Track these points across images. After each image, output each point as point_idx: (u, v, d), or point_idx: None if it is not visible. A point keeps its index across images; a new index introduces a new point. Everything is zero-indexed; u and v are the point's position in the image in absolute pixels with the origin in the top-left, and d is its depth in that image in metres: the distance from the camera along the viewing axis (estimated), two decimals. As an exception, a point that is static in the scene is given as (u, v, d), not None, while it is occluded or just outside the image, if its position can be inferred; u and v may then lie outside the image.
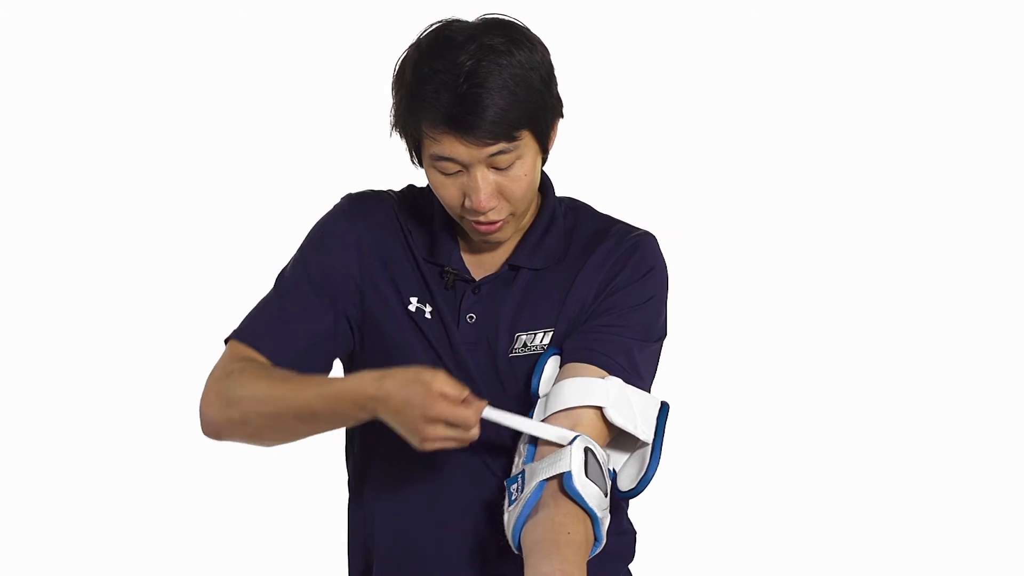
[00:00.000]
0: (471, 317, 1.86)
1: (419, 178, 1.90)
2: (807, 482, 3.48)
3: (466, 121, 1.71)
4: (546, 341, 1.85)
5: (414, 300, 1.87)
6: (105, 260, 3.53)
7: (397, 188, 1.99)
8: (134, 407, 3.50)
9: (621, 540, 1.93)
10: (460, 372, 1.84)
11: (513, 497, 1.71)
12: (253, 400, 1.79)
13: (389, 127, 1.83)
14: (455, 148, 1.73)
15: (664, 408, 1.82)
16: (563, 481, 1.68)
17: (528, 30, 1.80)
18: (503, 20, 1.79)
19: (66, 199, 3.54)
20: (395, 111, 1.80)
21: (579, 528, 1.67)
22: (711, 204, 3.55)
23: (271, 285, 1.93)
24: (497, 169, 1.76)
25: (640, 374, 1.83)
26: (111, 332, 3.53)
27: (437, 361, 1.84)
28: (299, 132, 3.50)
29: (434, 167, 1.77)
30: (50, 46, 3.52)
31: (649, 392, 1.85)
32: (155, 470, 3.48)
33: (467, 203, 1.77)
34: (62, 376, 3.52)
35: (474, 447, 1.78)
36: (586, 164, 3.29)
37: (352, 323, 1.88)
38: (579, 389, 1.77)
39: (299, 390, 1.77)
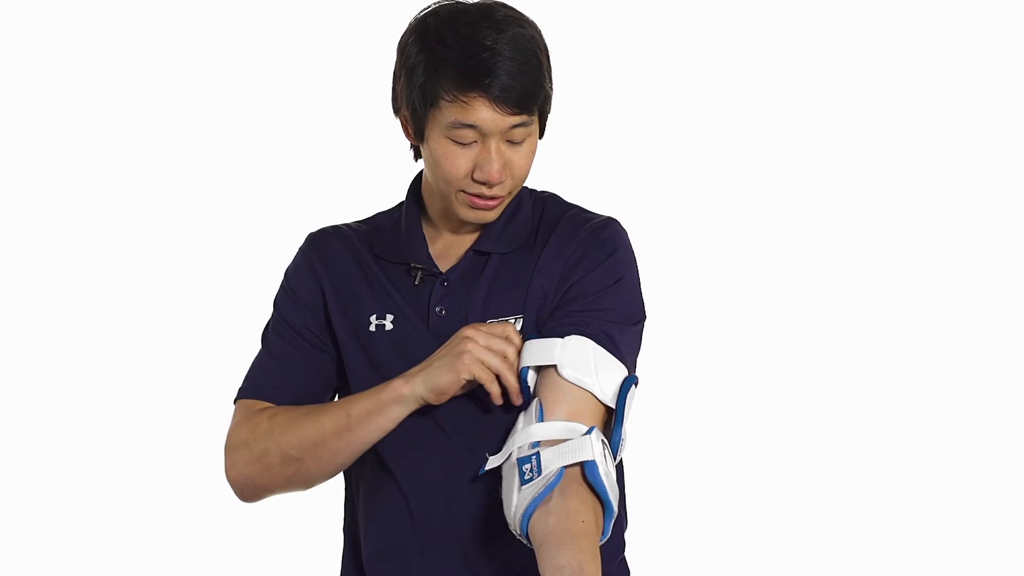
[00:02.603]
0: (441, 310, 1.87)
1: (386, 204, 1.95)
2: (802, 478, 3.49)
3: (499, 86, 1.73)
4: (516, 328, 1.84)
5: (373, 319, 1.89)
6: (105, 260, 3.54)
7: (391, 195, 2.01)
8: (134, 407, 3.51)
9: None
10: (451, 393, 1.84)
11: (526, 477, 1.68)
12: (288, 440, 1.84)
13: (392, 102, 1.85)
14: (482, 114, 1.75)
15: (629, 379, 1.79)
16: (586, 469, 1.67)
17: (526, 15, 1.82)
18: (502, 2, 1.82)
19: (66, 199, 3.54)
20: (406, 78, 1.80)
21: (592, 517, 1.66)
22: (707, 201, 3.55)
23: (262, 320, 1.99)
24: (510, 143, 1.79)
25: (622, 355, 1.80)
26: (111, 332, 3.53)
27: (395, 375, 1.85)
28: (299, 133, 3.50)
29: (448, 136, 1.78)
30: (50, 46, 3.51)
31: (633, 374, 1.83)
32: (154, 471, 3.49)
33: (477, 175, 1.78)
34: (62, 376, 3.52)
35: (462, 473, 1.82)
36: (582, 161, 3.31)
37: (336, 355, 1.93)
38: (531, 350, 1.77)
39: (330, 408, 1.84)
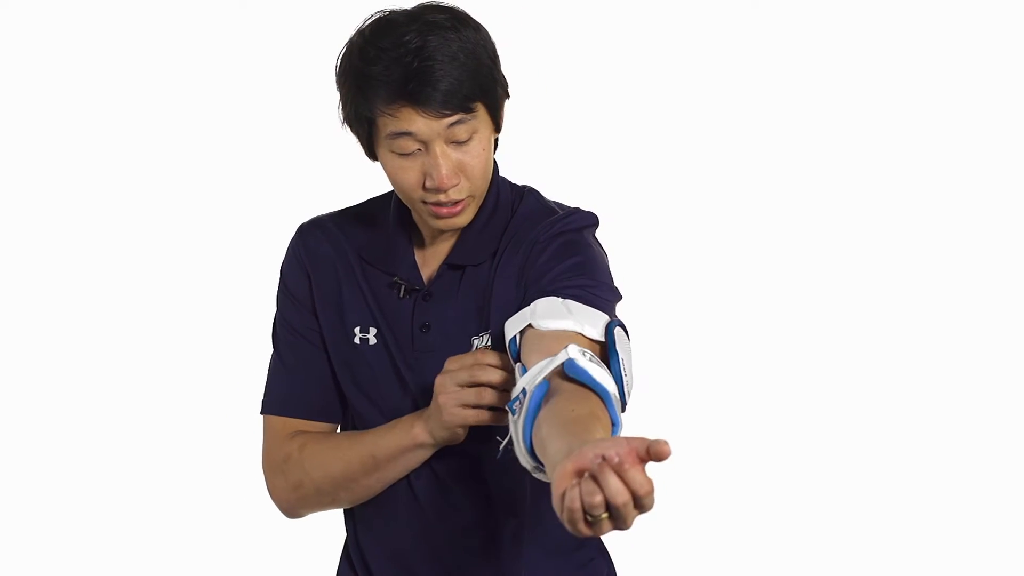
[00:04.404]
0: (425, 327, 1.85)
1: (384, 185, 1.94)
2: (795, 477, 3.50)
3: (423, 92, 1.70)
4: (485, 343, 1.81)
5: (358, 331, 1.89)
6: (104, 260, 3.56)
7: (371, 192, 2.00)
8: (135, 407, 3.52)
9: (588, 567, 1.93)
10: (414, 389, 1.85)
11: (515, 413, 1.58)
12: (319, 474, 1.88)
13: (340, 123, 1.84)
14: (413, 122, 1.71)
15: (612, 323, 1.70)
16: (565, 367, 1.55)
17: (468, 13, 1.79)
18: (442, 3, 1.78)
19: (65, 199, 3.57)
20: (344, 102, 1.79)
21: (584, 404, 1.51)
22: (706, 201, 3.56)
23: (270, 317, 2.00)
24: (456, 144, 1.74)
25: (599, 306, 1.72)
26: (111, 333, 3.55)
27: (378, 393, 1.86)
28: (298, 132, 3.50)
29: (391, 149, 1.75)
30: (50, 46, 3.54)
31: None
32: (155, 468, 3.51)
33: (428, 183, 1.75)
34: (62, 376, 3.55)
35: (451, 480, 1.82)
36: (581, 159, 3.31)
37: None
38: (511, 323, 1.73)
39: (356, 446, 1.85)
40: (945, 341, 3.53)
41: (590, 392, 1.53)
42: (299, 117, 3.47)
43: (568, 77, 3.36)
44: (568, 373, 1.54)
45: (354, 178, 2.65)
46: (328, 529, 2.24)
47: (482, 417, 1.73)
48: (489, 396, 1.72)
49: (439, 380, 1.74)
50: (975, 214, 3.55)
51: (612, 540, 1.95)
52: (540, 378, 1.55)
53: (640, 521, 2.60)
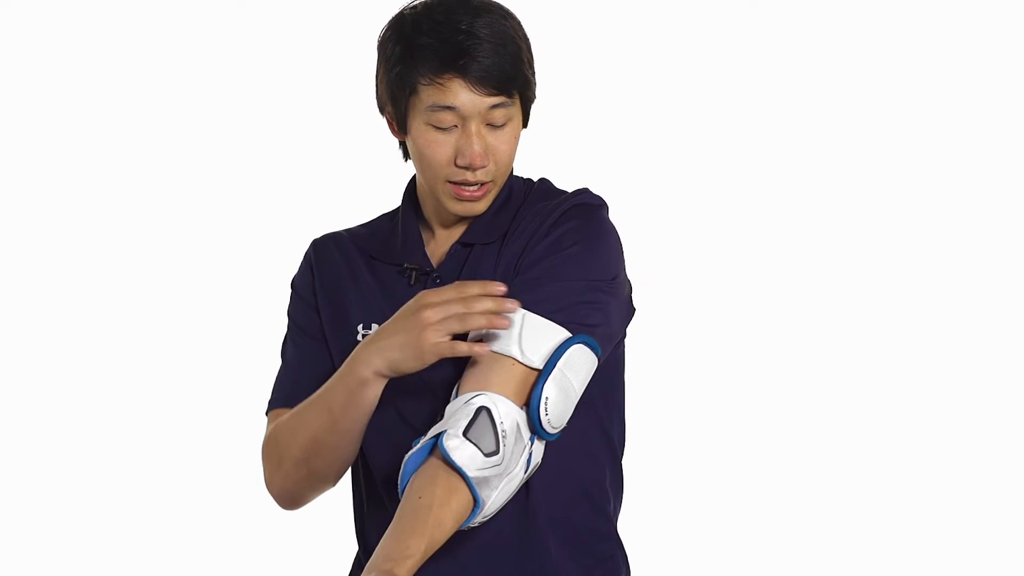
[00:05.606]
0: None
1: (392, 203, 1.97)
2: (805, 476, 3.49)
3: (472, 68, 1.75)
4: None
5: (360, 328, 1.90)
6: (103, 260, 3.56)
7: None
8: (135, 408, 3.52)
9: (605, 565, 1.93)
10: (415, 373, 1.82)
11: (412, 446, 1.70)
12: (292, 440, 1.87)
13: (377, 100, 1.87)
14: (459, 95, 1.76)
15: (570, 340, 1.71)
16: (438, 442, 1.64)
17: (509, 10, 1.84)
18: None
19: (64, 199, 3.56)
20: (386, 68, 1.82)
21: (434, 491, 1.62)
22: (705, 200, 3.55)
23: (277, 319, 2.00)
24: (492, 127, 1.79)
25: (565, 317, 1.73)
26: (111, 333, 3.55)
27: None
28: (299, 133, 3.53)
29: (428, 122, 1.79)
30: (50, 46, 3.54)
31: (597, 341, 1.75)
32: (163, 473, 3.52)
33: (459, 160, 1.79)
34: (62, 377, 3.54)
35: None
36: (582, 158, 3.32)
37: None
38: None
39: (314, 405, 1.85)
40: (945, 338, 3.53)
41: (449, 470, 1.63)
42: (310, 128, 3.50)
43: (566, 78, 3.35)
44: (439, 450, 1.63)
45: (366, 189, 2.68)
46: (338, 537, 2.23)
47: (465, 350, 1.70)
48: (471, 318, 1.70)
49: (427, 311, 1.70)
50: (975, 214, 3.55)
51: (624, 538, 1.97)
52: (426, 439, 1.65)
53: (649, 520, 2.60)
